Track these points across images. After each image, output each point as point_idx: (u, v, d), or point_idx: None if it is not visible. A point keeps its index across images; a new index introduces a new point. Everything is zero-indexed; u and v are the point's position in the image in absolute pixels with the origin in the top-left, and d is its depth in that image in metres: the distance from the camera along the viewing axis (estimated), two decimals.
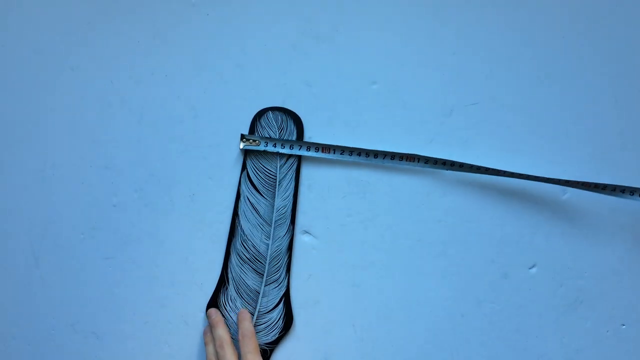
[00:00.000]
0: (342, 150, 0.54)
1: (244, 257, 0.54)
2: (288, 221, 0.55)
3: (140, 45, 0.59)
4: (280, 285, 0.54)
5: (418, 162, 0.54)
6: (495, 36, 0.58)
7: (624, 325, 0.53)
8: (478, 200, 0.55)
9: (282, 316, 0.53)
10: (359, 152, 0.54)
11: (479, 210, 0.55)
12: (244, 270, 0.54)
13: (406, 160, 0.54)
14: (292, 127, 0.56)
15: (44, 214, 0.57)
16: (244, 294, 0.54)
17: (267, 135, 0.55)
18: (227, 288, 0.54)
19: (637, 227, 0.54)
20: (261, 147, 0.54)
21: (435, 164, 0.54)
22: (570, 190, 0.55)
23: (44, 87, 0.59)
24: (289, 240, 0.55)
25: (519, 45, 0.57)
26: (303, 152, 0.54)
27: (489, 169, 0.53)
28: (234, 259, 0.54)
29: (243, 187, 0.55)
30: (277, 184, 0.55)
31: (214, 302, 0.54)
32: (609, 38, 0.57)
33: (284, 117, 0.57)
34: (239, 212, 0.55)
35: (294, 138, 0.56)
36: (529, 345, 0.53)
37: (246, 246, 0.54)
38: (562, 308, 0.53)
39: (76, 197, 0.57)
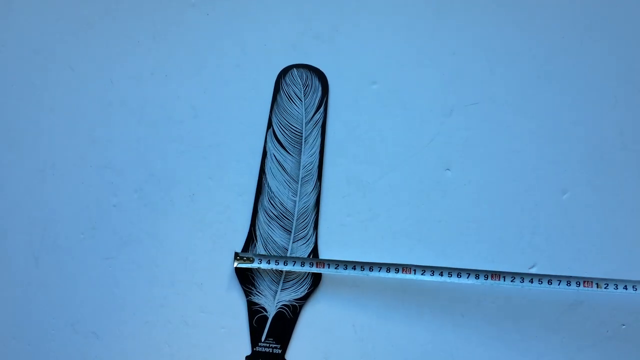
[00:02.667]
0: (337, 264, 0.53)
1: (271, 214, 0.55)
2: (315, 178, 0.55)
3: (140, 45, 0.59)
4: (308, 242, 0.54)
5: (415, 273, 0.52)
6: (495, 36, 0.58)
7: (624, 325, 0.53)
8: (478, 200, 0.55)
9: (311, 273, 0.54)
10: (353, 265, 0.53)
11: (479, 210, 0.55)
12: (272, 227, 0.54)
13: (402, 272, 0.52)
14: (316, 84, 0.57)
15: (43, 214, 0.57)
16: (272, 251, 0.54)
17: (293, 93, 0.55)
18: (255, 245, 0.54)
19: (637, 227, 0.54)
20: (255, 265, 0.53)
21: (442, 274, 0.52)
22: (570, 190, 0.55)
23: (44, 87, 0.59)
24: (316, 196, 0.55)
25: (519, 45, 0.57)
26: (297, 268, 0.53)
27: (486, 273, 0.52)
28: (261, 216, 0.55)
29: (269, 144, 0.56)
30: (303, 140, 0.56)
31: None
32: (609, 38, 0.57)
33: (309, 74, 0.57)
34: (266, 170, 0.55)
35: (319, 95, 0.56)
36: (529, 345, 0.53)
37: (273, 203, 0.55)
38: (562, 308, 0.53)
39: (76, 197, 0.57)
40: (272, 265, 0.53)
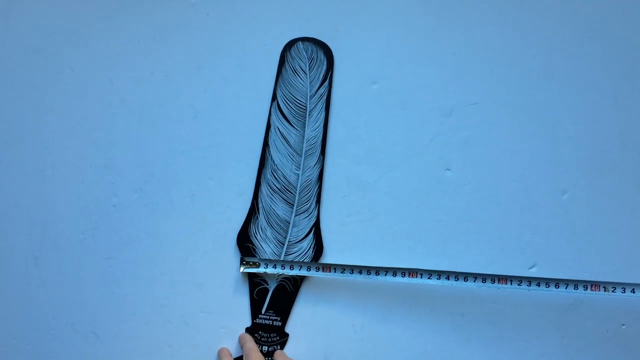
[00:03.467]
0: (343, 268, 0.52)
1: (274, 187, 0.55)
2: (318, 151, 0.55)
3: (140, 45, 0.59)
4: (310, 216, 0.55)
5: (421, 277, 0.52)
6: (495, 36, 0.58)
7: (624, 325, 0.53)
8: (478, 200, 0.55)
9: (313, 246, 0.54)
10: (359, 269, 0.52)
11: (479, 210, 0.55)
12: (274, 200, 0.55)
13: (409, 276, 0.52)
14: (322, 57, 0.57)
15: (44, 214, 0.57)
16: (274, 224, 0.55)
17: (298, 66, 0.55)
18: (257, 218, 0.55)
19: (636, 227, 0.54)
20: (261, 269, 0.53)
21: (448, 278, 0.52)
22: (570, 190, 0.55)
23: (44, 87, 0.59)
24: (319, 170, 0.55)
25: (519, 45, 0.57)
26: (304, 272, 0.53)
27: (492, 277, 0.52)
28: (264, 189, 0.55)
29: (273, 117, 0.56)
30: (308, 114, 0.56)
31: (244, 232, 0.54)
32: (609, 38, 0.57)
33: (314, 48, 0.57)
34: (269, 142, 0.56)
35: (324, 69, 0.57)
36: (529, 345, 0.53)
37: (276, 176, 0.55)
38: (562, 308, 0.53)
39: (76, 197, 0.57)
40: (278, 270, 0.53)
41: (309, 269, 0.53)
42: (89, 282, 0.56)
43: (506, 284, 0.51)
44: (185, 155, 0.57)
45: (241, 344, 0.52)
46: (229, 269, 0.55)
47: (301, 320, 0.54)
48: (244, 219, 0.55)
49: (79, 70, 0.59)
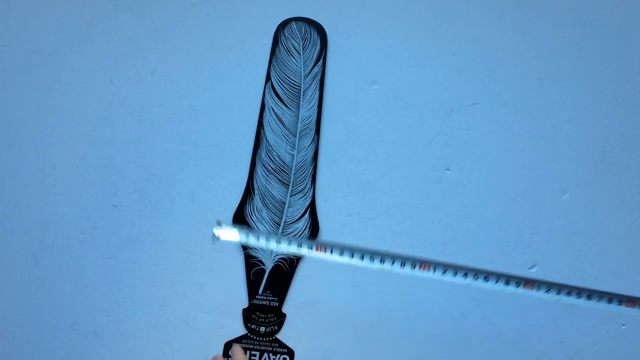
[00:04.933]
0: (340, 249, 0.47)
1: (269, 167, 0.55)
2: (313, 131, 0.56)
3: (140, 45, 0.59)
4: (305, 196, 0.55)
5: (430, 269, 0.47)
6: (495, 36, 0.58)
7: (624, 325, 0.53)
8: (478, 200, 0.55)
9: (308, 226, 0.54)
10: (353, 251, 0.47)
11: (479, 210, 0.55)
12: (270, 180, 0.55)
13: (417, 268, 0.47)
14: (315, 36, 0.57)
15: (44, 214, 0.57)
16: (270, 204, 0.55)
17: (292, 46, 0.54)
18: (252, 199, 0.55)
19: (636, 227, 0.54)
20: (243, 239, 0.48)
21: (445, 271, 0.47)
22: (570, 190, 0.55)
23: (44, 87, 0.59)
24: (314, 150, 0.55)
25: (519, 45, 0.57)
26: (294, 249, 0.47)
27: (506, 276, 0.49)
28: (259, 169, 0.55)
29: (267, 97, 0.56)
30: (302, 94, 0.56)
31: (240, 213, 0.55)
32: (609, 38, 0.57)
33: (307, 28, 0.57)
34: (264, 123, 0.56)
35: (318, 48, 0.57)
36: (529, 345, 0.53)
37: (271, 157, 0.55)
38: (562, 308, 0.53)
39: (76, 197, 0.57)
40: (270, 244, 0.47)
41: (311, 248, 0.48)
42: (89, 282, 0.56)
43: (516, 286, 0.48)
44: (185, 155, 0.57)
45: (232, 354, 0.52)
46: (229, 269, 0.55)
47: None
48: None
49: (79, 70, 0.59)
